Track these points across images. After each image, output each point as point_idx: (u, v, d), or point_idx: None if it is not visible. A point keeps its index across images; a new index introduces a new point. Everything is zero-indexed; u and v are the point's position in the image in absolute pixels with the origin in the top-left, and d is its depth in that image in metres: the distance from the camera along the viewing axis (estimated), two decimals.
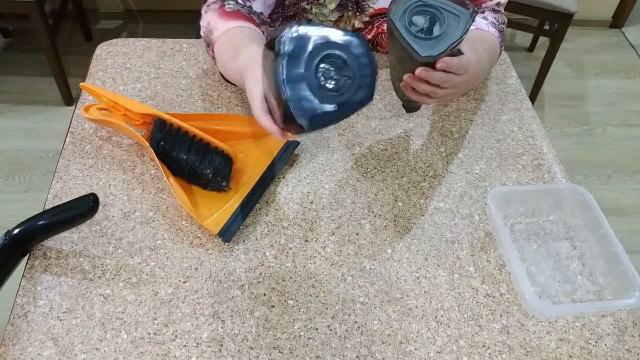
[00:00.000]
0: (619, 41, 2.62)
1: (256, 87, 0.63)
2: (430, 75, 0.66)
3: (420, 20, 0.66)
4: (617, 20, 2.65)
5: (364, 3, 0.89)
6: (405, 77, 0.69)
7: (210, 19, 0.80)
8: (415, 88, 0.70)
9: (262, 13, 0.86)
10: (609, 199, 1.91)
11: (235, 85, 0.87)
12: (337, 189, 0.75)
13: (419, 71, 0.66)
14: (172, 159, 0.70)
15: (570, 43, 2.51)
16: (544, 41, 2.40)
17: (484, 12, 0.89)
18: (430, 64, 0.66)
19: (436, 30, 0.65)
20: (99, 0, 2.43)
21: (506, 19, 0.91)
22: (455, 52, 0.68)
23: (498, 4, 0.90)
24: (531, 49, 2.50)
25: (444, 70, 0.66)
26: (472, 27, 0.86)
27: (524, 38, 2.53)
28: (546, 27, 2.15)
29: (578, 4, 1.86)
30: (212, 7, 0.82)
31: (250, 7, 0.83)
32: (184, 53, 0.94)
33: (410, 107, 0.82)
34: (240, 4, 0.82)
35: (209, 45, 0.80)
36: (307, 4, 0.89)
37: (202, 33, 0.83)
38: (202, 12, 0.85)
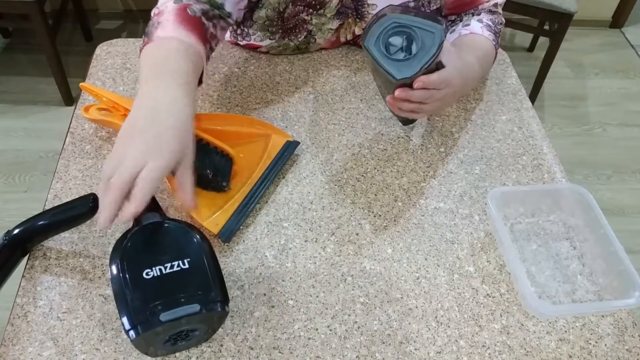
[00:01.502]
0: (618, 41, 2.62)
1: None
2: (410, 95, 0.69)
3: (398, 41, 0.68)
4: (617, 20, 2.65)
5: (363, 9, 0.89)
6: (388, 98, 0.71)
7: (166, 10, 0.72)
8: (400, 107, 0.71)
9: (230, 14, 0.79)
10: (609, 199, 1.91)
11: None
12: (337, 189, 0.75)
13: (397, 92, 0.68)
14: None
15: (570, 43, 2.51)
16: (544, 41, 2.40)
17: (479, 14, 0.89)
18: (408, 84, 0.68)
19: (414, 48, 0.67)
20: (99, 0, 2.43)
21: (504, 19, 0.91)
22: (435, 67, 0.69)
23: (495, 5, 0.90)
24: (531, 49, 2.50)
25: (425, 88, 0.68)
26: (466, 32, 0.86)
27: (524, 38, 2.53)
28: (546, 27, 2.16)
29: (578, 4, 1.86)
30: None
31: (222, 5, 0.76)
32: None
33: (405, 120, 0.83)
34: (212, 2, 0.75)
35: (147, 35, 0.71)
36: (307, 15, 0.88)
37: (152, 12, 0.74)
38: None
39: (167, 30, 0.70)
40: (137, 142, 0.56)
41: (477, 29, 0.86)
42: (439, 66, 0.71)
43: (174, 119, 0.58)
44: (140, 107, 0.60)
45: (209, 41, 0.74)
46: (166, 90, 0.61)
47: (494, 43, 0.87)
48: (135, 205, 0.53)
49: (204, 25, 0.73)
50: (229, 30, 0.94)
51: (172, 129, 0.57)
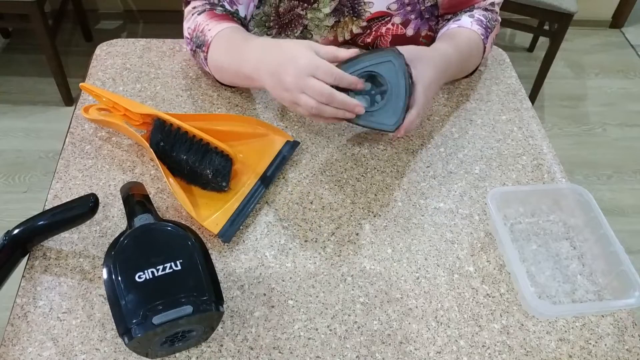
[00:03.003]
0: (618, 41, 2.62)
1: (301, 45, 0.67)
2: (404, 133, 0.71)
3: (367, 85, 0.69)
4: (617, 21, 2.65)
5: (360, 7, 0.89)
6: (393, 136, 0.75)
7: (200, 21, 0.81)
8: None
9: (245, 18, 0.87)
10: (609, 199, 1.91)
11: (229, 86, 0.87)
12: (337, 189, 0.75)
13: (399, 136, 0.73)
14: (172, 159, 0.70)
15: (570, 43, 2.51)
16: (543, 41, 2.40)
17: (472, 11, 0.89)
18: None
19: (383, 82, 0.68)
20: (99, 0, 2.43)
21: (499, 18, 0.91)
22: (410, 78, 0.70)
23: (492, 4, 0.90)
24: (531, 49, 2.50)
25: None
26: (454, 26, 0.86)
27: (524, 38, 2.53)
28: (546, 27, 2.16)
29: (578, 4, 1.86)
30: (198, 9, 0.82)
31: (237, 11, 0.84)
32: (184, 53, 0.94)
33: None
34: (228, 10, 0.83)
35: (202, 45, 0.80)
36: (302, 10, 0.88)
37: (187, 34, 0.83)
38: (186, 13, 0.85)
39: (215, 28, 0.79)
40: (289, 71, 0.66)
41: (466, 23, 0.87)
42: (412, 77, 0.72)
43: (286, 44, 0.69)
44: (264, 61, 0.70)
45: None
46: (258, 42, 0.73)
47: (483, 37, 0.87)
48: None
49: (234, 18, 0.83)
50: None
51: (291, 49, 0.67)
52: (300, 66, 0.65)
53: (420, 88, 0.71)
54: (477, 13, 0.88)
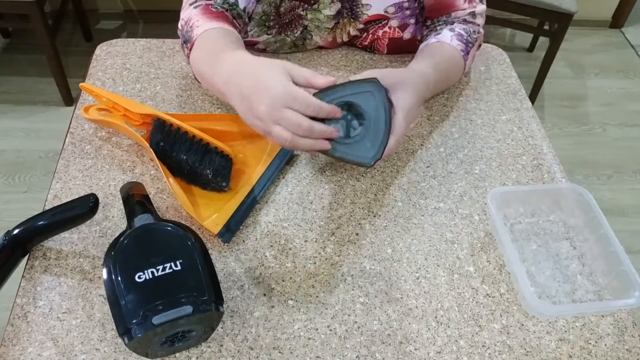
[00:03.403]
0: (618, 41, 2.62)
1: (274, 68, 0.63)
2: (388, 155, 0.68)
3: (347, 116, 0.65)
4: (617, 21, 2.65)
5: (358, 10, 0.89)
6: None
7: (192, 15, 0.78)
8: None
9: (245, 11, 0.83)
10: (609, 199, 1.91)
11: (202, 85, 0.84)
12: (337, 189, 0.75)
13: (378, 162, 0.69)
14: (171, 159, 0.70)
15: (570, 43, 2.52)
16: (543, 41, 2.40)
17: (453, 24, 0.88)
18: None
19: (362, 112, 0.64)
20: (99, 0, 2.43)
21: (482, 30, 0.89)
22: (389, 110, 0.67)
23: (473, 14, 0.88)
24: (531, 49, 2.50)
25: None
26: (433, 40, 0.85)
27: (524, 38, 2.53)
28: (546, 27, 2.16)
29: (578, 4, 1.86)
30: (197, 1, 0.80)
31: (236, 2, 0.81)
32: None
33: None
34: (227, 1, 0.80)
35: (187, 41, 0.78)
36: (303, 11, 0.88)
37: (179, 25, 0.81)
38: (184, 1, 0.82)
39: (203, 27, 0.76)
40: (263, 100, 0.60)
41: (446, 38, 0.85)
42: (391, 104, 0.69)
43: (260, 68, 0.63)
44: (234, 81, 0.65)
45: (237, 28, 0.80)
46: (236, 56, 0.68)
47: (463, 53, 0.86)
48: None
49: (229, 17, 0.80)
50: None
51: (265, 75, 0.62)
52: (274, 96, 0.59)
53: (401, 114, 0.68)
54: (458, 27, 0.87)
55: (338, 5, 0.88)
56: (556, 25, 1.94)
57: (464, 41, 0.86)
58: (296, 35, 0.92)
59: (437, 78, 0.81)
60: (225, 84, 0.66)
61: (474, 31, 0.88)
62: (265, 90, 0.60)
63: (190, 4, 0.80)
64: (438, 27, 0.89)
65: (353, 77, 0.67)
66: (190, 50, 0.77)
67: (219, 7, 0.79)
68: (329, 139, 0.63)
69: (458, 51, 0.85)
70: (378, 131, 0.64)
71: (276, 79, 0.60)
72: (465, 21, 0.88)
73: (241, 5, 0.83)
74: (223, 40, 0.74)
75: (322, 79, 0.63)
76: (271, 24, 0.90)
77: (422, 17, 0.92)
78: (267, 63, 0.63)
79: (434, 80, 0.79)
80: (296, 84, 0.61)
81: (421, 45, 0.89)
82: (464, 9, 0.88)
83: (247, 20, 0.86)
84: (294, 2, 0.87)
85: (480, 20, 0.90)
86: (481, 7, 0.89)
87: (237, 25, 0.82)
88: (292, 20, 0.90)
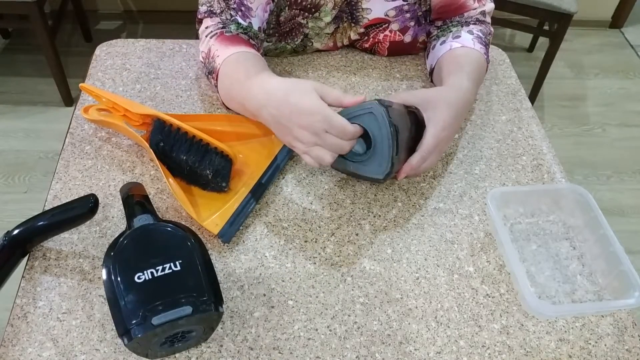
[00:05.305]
0: (618, 41, 2.62)
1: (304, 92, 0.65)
2: (412, 174, 0.72)
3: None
4: (617, 21, 2.65)
5: (358, 14, 0.89)
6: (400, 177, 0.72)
7: (211, 45, 0.80)
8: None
9: (260, 30, 0.85)
10: (608, 199, 1.91)
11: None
12: (337, 189, 0.75)
13: (400, 177, 0.71)
14: (171, 159, 0.70)
15: (569, 43, 2.52)
16: (543, 41, 2.40)
17: (469, 25, 0.88)
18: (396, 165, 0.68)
19: (368, 131, 0.67)
20: (99, 0, 2.43)
21: (492, 29, 0.90)
22: (410, 131, 0.69)
23: (483, 13, 0.89)
24: (531, 49, 2.50)
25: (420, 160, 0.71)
26: (457, 45, 0.85)
27: (523, 38, 2.53)
28: (546, 27, 2.16)
29: (577, 4, 1.86)
30: (211, 29, 0.81)
31: (250, 25, 0.82)
32: (184, 54, 0.94)
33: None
34: (241, 25, 0.81)
35: (212, 72, 0.80)
36: (303, 19, 0.88)
37: (201, 58, 0.83)
38: (200, 34, 0.84)
39: (223, 55, 0.78)
40: (303, 125, 0.65)
41: (468, 42, 0.85)
42: (418, 122, 0.71)
43: (295, 94, 0.66)
44: (265, 105, 0.69)
45: (255, 47, 0.82)
46: (263, 82, 0.71)
47: (486, 56, 0.86)
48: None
49: (245, 39, 0.81)
50: None
51: (302, 101, 0.65)
52: (314, 122, 0.64)
53: (431, 131, 0.70)
54: (475, 29, 0.87)
55: (336, 11, 0.88)
56: (556, 25, 1.94)
57: (484, 43, 0.86)
58: (296, 42, 0.92)
59: (473, 87, 0.80)
60: (257, 109, 0.70)
61: (488, 33, 0.89)
62: (305, 117, 0.64)
63: (207, 35, 0.82)
64: (452, 28, 0.88)
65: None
66: (216, 80, 0.79)
67: (233, 32, 0.81)
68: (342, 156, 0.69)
69: (482, 54, 0.85)
70: (383, 148, 0.66)
71: (314, 104, 0.64)
72: (478, 21, 0.88)
73: (255, 26, 0.83)
74: (245, 65, 0.76)
75: (351, 98, 0.66)
76: (271, 31, 0.89)
77: (426, 19, 0.92)
78: (300, 89, 0.66)
79: (470, 90, 0.79)
80: (326, 102, 0.65)
81: (444, 48, 0.86)
82: (475, 9, 0.88)
83: (262, 37, 0.87)
84: (294, 11, 0.86)
85: (489, 19, 0.90)
86: (490, 6, 0.89)
87: (255, 44, 0.83)
88: (292, 29, 0.89)
